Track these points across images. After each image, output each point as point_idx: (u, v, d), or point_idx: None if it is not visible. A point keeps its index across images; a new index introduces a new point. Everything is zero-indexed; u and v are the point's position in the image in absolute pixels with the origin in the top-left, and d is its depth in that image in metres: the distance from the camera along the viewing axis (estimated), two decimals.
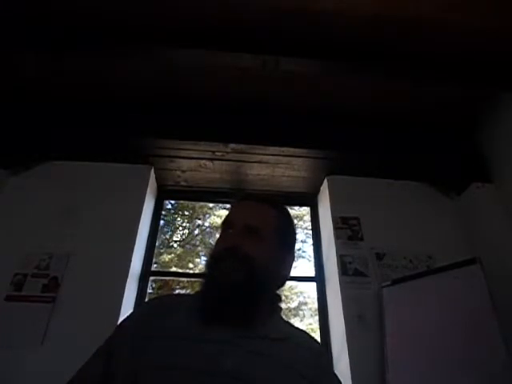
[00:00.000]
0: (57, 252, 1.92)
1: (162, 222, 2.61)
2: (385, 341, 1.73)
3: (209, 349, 0.60)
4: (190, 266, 5.52)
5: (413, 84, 2.04)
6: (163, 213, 2.68)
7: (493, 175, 2.20)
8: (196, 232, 6.13)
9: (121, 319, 0.74)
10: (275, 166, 2.34)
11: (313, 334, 0.77)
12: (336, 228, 2.15)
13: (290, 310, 5.83)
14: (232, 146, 2.18)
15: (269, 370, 0.60)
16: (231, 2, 1.65)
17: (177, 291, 5.30)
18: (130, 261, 1.95)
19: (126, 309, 1.85)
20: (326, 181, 2.38)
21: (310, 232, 2.56)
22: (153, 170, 2.34)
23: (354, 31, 1.75)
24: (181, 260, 5.56)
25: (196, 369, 0.57)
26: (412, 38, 1.78)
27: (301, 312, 5.93)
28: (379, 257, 2.06)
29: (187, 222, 6.09)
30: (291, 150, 2.21)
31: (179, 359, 0.59)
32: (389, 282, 1.87)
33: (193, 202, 4.98)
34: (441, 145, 2.32)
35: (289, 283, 4.58)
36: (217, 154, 2.24)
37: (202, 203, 5.12)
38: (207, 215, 6.08)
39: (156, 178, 2.41)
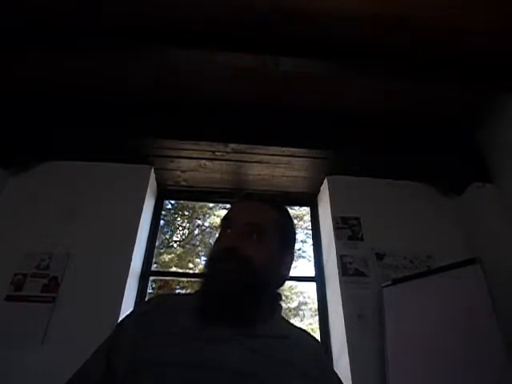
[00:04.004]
0: (57, 252, 1.92)
1: (162, 222, 2.61)
2: (385, 341, 1.73)
3: (210, 347, 0.60)
4: (190, 265, 5.51)
5: (413, 84, 2.04)
6: (163, 213, 2.67)
7: (493, 175, 2.20)
8: (196, 232, 6.13)
9: (121, 319, 0.74)
10: (275, 166, 2.34)
11: (313, 334, 0.77)
12: (336, 228, 2.15)
13: (290, 310, 5.82)
14: (232, 145, 2.18)
15: (270, 368, 0.60)
16: (231, 1, 1.65)
17: (177, 291, 5.30)
18: (130, 261, 1.95)
19: (126, 309, 1.85)
20: (326, 181, 2.38)
21: (310, 232, 2.56)
22: (153, 170, 2.34)
23: (354, 31, 1.75)
24: (181, 260, 5.56)
25: (197, 366, 0.57)
26: (412, 38, 1.78)
27: (301, 312, 5.93)
28: (379, 257, 2.06)
29: (187, 222, 6.08)
30: (291, 150, 2.21)
31: (180, 356, 0.59)
32: (389, 282, 1.87)
33: (193, 202, 4.97)
34: (441, 145, 2.31)
35: (289, 283, 4.56)
36: (217, 154, 2.24)
37: (201, 203, 5.10)
38: (207, 215, 6.08)
39: (156, 178, 2.41)
